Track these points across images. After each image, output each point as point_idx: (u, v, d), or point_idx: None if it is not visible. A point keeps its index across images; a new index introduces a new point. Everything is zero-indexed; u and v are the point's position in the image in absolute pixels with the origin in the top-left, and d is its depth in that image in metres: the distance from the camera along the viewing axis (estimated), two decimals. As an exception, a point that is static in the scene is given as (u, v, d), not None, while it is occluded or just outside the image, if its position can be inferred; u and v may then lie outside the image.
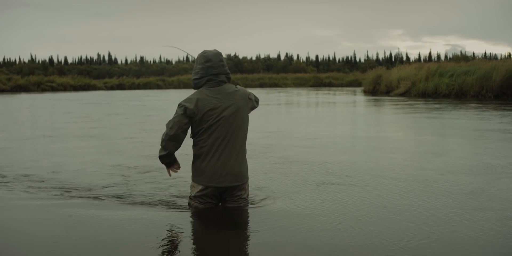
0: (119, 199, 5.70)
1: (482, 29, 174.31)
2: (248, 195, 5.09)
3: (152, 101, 29.89)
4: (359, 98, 31.95)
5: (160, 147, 4.91)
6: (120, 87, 59.23)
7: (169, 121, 4.80)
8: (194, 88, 4.92)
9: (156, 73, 75.07)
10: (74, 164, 8.09)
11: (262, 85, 64.01)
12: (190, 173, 4.95)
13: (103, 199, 5.69)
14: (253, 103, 4.98)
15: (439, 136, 11.29)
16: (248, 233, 4.54)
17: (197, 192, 4.90)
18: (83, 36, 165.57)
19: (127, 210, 5.28)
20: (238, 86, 4.93)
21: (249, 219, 4.90)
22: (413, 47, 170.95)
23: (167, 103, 28.09)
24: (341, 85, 65.68)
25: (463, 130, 12.31)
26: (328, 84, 66.97)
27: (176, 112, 4.78)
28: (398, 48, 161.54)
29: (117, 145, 10.55)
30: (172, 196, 5.81)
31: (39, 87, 49.61)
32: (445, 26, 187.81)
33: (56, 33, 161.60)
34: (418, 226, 4.55)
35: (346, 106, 23.82)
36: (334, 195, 5.76)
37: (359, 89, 47.51)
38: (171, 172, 5.08)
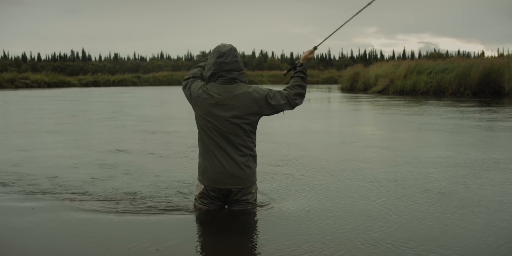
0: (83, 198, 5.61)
1: (455, 27, 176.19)
2: (255, 199, 4.82)
3: (127, 98, 29.58)
4: (337, 95, 32.13)
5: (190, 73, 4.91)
6: (95, 84, 58.57)
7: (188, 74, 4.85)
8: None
9: (130, 70, 74.45)
10: (41, 157, 8.23)
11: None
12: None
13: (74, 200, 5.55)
14: (267, 106, 4.57)
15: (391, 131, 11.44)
16: (255, 238, 4.32)
17: (200, 192, 4.71)
18: (56, 32, 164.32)
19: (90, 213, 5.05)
20: (253, 87, 4.63)
21: (256, 223, 4.67)
22: (387, 45, 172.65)
23: (141, 100, 28.00)
24: (317, 83, 65.84)
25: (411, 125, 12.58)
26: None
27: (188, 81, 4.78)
28: (373, 46, 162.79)
29: (86, 140, 10.76)
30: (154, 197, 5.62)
31: (13, 84, 48.74)
32: (419, 24, 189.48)
33: (29, 29, 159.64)
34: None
35: (328, 103, 23.87)
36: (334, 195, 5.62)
37: (335, 87, 47.74)
38: None
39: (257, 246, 4.13)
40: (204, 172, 4.62)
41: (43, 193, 5.81)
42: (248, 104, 4.53)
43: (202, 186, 4.67)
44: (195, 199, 4.84)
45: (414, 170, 7.04)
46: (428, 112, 16.94)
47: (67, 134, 11.88)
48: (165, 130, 12.48)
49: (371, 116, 17.17)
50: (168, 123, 14.66)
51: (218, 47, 4.64)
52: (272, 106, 4.60)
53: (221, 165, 4.53)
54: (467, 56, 59.56)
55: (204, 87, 4.59)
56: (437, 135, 11.27)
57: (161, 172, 7.05)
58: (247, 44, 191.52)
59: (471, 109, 18.01)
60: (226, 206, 4.79)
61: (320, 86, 56.12)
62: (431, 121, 14.11)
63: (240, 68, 4.61)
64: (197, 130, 4.68)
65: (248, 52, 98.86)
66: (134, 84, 60.86)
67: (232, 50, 4.60)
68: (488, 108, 18.54)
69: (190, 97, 4.67)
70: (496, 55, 33.38)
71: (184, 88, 4.75)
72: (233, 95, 4.52)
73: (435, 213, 4.94)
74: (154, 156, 8.47)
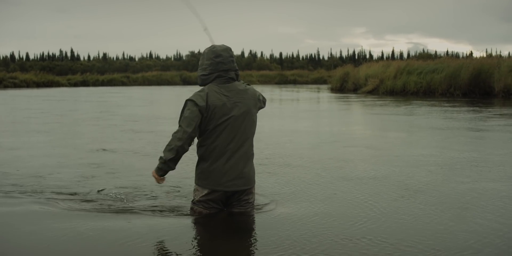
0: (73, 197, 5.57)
1: (444, 27, 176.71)
2: (254, 200, 4.82)
3: (117, 98, 29.47)
4: (327, 95, 32.16)
5: (167, 150, 4.45)
6: (84, 83, 58.14)
7: (182, 120, 4.42)
8: (201, 85, 4.59)
9: (119, 70, 74.18)
10: (26, 157, 8.31)
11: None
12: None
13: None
14: (261, 103, 4.72)
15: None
16: (255, 240, 4.28)
17: (202, 196, 4.59)
18: (45, 32, 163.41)
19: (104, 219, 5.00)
20: (247, 85, 4.66)
21: (256, 224, 4.63)
22: (375, 45, 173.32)
23: (130, 99, 27.96)
24: (306, 83, 65.89)
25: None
26: (293, 81, 67.09)
27: (187, 108, 4.42)
28: (362, 46, 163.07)
29: (72, 139, 10.77)
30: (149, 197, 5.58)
31: (1, 84, 48.27)
32: (407, 24, 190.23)
33: (17, 29, 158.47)
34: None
35: (318, 103, 23.90)
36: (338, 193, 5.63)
37: (325, 87, 47.82)
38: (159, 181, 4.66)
39: (262, 251, 4.13)
40: (209, 176, 4.50)
41: (24, 193, 5.78)
42: (251, 101, 4.56)
43: (206, 191, 4.56)
44: (194, 203, 4.69)
45: (395, 169, 7.14)
46: (414, 112, 17.08)
47: (54, 133, 11.97)
48: (151, 130, 12.56)
49: (358, 116, 17.24)
50: (156, 123, 14.66)
51: (213, 46, 4.57)
52: (260, 105, 4.70)
53: (230, 166, 4.47)
54: (455, 56, 59.74)
55: (203, 94, 4.43)
56: (422, 134, 11.44)
57: (145, 170, 6.97)
58: (236, 44, 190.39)
59: (457, 109, 18.13)
60: (225, 209, 4.70)
61: (310, 86, 56.14)
62: (416, 121, 14.29)
63: (235, 68, 4.59)
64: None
65: (237, 52, 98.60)
66: (123, 84, 60.56)
67: (228, 50, 4.57)
68: (473, 108, 18.65)
69: (207, 109, 4.41)
70: (485, 56, 33.36)
71: (198, 110, 4.41)
72: (236, 92, 4.52)
73: (415, 210, 5.02)
74: (139, 155, 8.52)
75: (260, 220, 4.71)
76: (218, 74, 4.50)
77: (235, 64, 4.60)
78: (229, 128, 4.45)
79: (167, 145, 4.48)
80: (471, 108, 18.28)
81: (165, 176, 4.61)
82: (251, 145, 4.63)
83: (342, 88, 37.09)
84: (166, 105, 24.06)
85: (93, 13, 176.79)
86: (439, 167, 7.27)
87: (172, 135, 4.47)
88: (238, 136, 4.49)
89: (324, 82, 60.96)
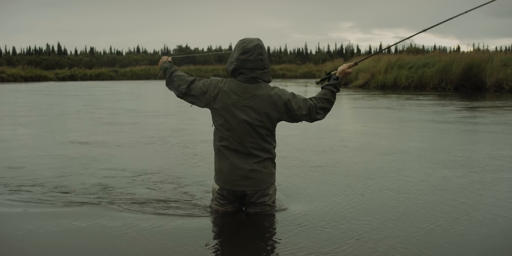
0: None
1: (431, 22, 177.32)
2: (274, 201, 4.60)
3: (104, 92, 29.31)
4: (317, 89, 31.96)
5: (177, 80, 4.68)
6: (72, 78, 57.74)
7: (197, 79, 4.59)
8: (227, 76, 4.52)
9: (107, 64, 73.73)
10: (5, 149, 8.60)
11: (216, 76, 63.58)
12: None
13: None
14: (293, 113, 4.34)
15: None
16: (272, 240, 4.14)
17: (216, 192, 4.53)
18: (31, 26, 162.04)
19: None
20: (276, 89, 4.34)
21: (274, 225, 4.46)
22: (363, 40, 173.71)
23: (117, 94, 27.90)
24: (295, 77, 65.85)
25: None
26: (282, 76, 67.03)
27: (204, 80, 4.51)
28: (349, 41, 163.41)
29: (55, 132, 11.07)
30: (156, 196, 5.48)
31: (-12, 78, 48.17)
32: (394, 19, 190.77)
33: (4, 23, 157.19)
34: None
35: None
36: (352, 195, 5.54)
37: (314, 81, 47.71)
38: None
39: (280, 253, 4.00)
40: (218, 173, 4.44)
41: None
42: (267, 107, 4.29)
43: (218, 187, 4.49)
44: (212, 200, 4.64)
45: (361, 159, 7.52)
46: (400, 106, 17.26)
47: (37, 126, 12.18)
48: (133, 122, 12.91)
49: (346, 110, 17.29)
50: (143, 116, 14.79)
51: (243, 41, 4.35)
52: (292, 114, 4.35)
53: (235, 166, 4.32)
54: (443, 51, 59.88)
55: (222, 83, 4.39)
56: (396, 127, 11.79)
57: (128, 163, 7.28)
58: (224, 38, 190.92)
59: (431, 102, 18.22)
60: (243, 208, 4.59)
61: (299, 80, 56.08)
62: (399, 114, 14.66)
63: (264, 66, 4.33)
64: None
65: (225, 46, 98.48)
66: (111, 78, 60.27)
67: (258, 46, 4.30)
68: (450, 101, 18.91)
69: (204, 95, 4.43)
70: (472, 50, 33.49)
71: (190, 89, 4.53)
72: (251, 95, 4.29)
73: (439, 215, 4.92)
74: (115, 147, 8.84)
75: (278, 219, 4.56)
76: (242, 71, 4.32)
77: (266, 62, 4.33)
78: (234, 130, 4.30)
79: (179, 80, 4.68)
80: (448, 102, 18.44)
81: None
82: (263, 149, 4.36)
83: (333, 82, 36.90)
84: (154, 99, 24.24)
85: (79, 7, 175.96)
86: (393, 155, 7.48)
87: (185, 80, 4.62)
88: (245, 139, 4.30)
89: (313, 76, 61.01)
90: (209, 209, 4.75)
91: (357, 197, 5.36)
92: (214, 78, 4.49)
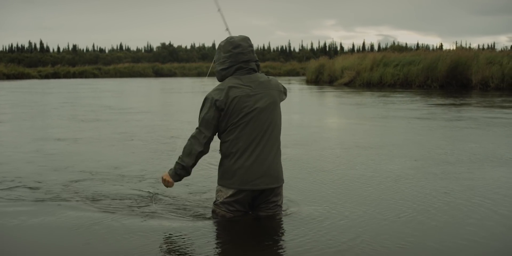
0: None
1: (413, 20, 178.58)
2: (282, 202, 4.46)
3: (87, 90, 29.05)
4: (299, 87, 32.03)
5: (186, 155, 4.20)
6: (55, 75, 57.09)
7: (201, 121, 4.16)
8: (220, 81, 4.25)
9: (90, 62, 73.31)
10: None
11: (199, 74, 63.49)
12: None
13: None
14: (283, 95, 4.38)
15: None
16: (283, 245, 3.99)
17: (226, 197, 4.22)
18: (13, 23, 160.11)
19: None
20: (269, 76, 4.32)
21: (285, 228, 4.29)
22: (346, 37, 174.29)
23: (100, 91, 27.69)
24: (279, 75, 65.68)
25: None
26: (266, 74, 65.33)
27: (204, 108, 4.15)
28: (332, 39, 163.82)
29: (33, 129, 11.18)
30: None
31: (-29, 76, 47.61)
32: (377, 17, 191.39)
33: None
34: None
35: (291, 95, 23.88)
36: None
37: (298, 78, 47.88)
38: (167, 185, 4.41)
39: None
40: (234, 175, 4.14)
41: None
42: (274, 92, 4.24)
43: (231, 191, 4.20)
44: (216, 205, 4.33)
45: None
46: (377, 104, 17.30)
47: (16, 123, 12.30)
48: (112, 119, 13.04)
49: (328, 108, 17.36)
50: (123, 113, 14.81)
51: (230, 38, 4.26)
52: (284, 96, 4.40)
53: (257, 163, 4.12)
54: (426, 48, 60.21)
55: (223, 92, 4.12)
56: (373, 124, 11.84)
57: (103, 160, 7.37)
58: (207, 36, 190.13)
59: (407, 99, 18.29)
60: (251, 212, 4.38)
61: (283, 78, 55.87)
62: (376, 112, 14.60)
63: (256, 58, 4.29)
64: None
65: (208, 44, 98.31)
66: (95, 76, 59.78)
67: (246, 39, 4.26)
68: (427, 98, 19.11)
69: (227, 103, 4.11)
70: (455, 48, 33.62)
71: (215, 109, 4.13)
72: (259, 83, 4.19)
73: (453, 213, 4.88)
74: (86, 143, 8.96)
75: (287, 222, 4.40)
76: (239, 65, 4.18)
77: (255, 54, 4.29)
78: (253, 121, 4.10)
79: (186, 149, 4.21)
80: (424, 98, 18.47)
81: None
82: (278, 139, 4.28)
83: (318, 80, 36.83)
84: (137, 97, 24.22)
85: (62, 4, 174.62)
86: (363, 150, 7.43)
87: (191, 138, 4.21)
88: (264, 129, 4.13)
89: (296, 74, 61.06)
90: (208, 214, 4.56)
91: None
92: (207, 98, 4.18)
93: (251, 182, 4.13)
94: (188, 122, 11.57)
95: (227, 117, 4.12)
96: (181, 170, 4.24)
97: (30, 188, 5.61)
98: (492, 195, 5.25)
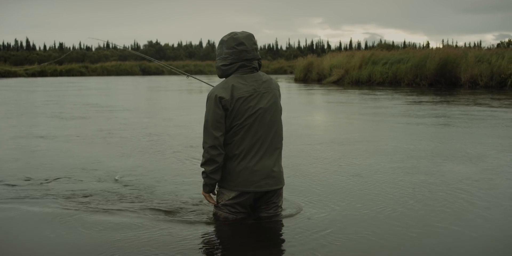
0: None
1: (400, 18, 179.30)
2: (282, 203, 4.39)
3: (73, 88, 29.05)
4: (287, 85, 32.00)
5: (205, 163, 4.06)
6: (42, 74, 56.76)
7: (208, 123, 4.00)
8: (221, 77, 4.13)
9: (76, 60, 72.80)
10: None
11: (187, 72, 63.23)
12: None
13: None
14: (280, 95, 4.29)
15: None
16: (286, 247, 3.91)
17: (229, 199, 4.14)
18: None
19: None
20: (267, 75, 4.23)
21: (286, 229, 4.21)
22: (333, 35, 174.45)
23: (86, 89, 27.68)
24: (267, 73, 64.68)
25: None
26: (254, 72, 66.73)
27: (209, 108, 4.01)
28: (319, 37, 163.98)
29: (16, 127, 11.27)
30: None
31: (-43, 74, 47.25)
32: (364, 15, 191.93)
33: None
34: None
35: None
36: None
37: (285, 76, 47.92)
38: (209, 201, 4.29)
39: None
40: (238, 177, 4.05)
41: None
42: (276, 89, 4.17)
43: (233, 193, 4.10)
44: (217, 207, 4.24)
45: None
46: (361, 101, 17.31)
47: None
48: (95, 116, 13.20)
49: (314, 106, 17.42)
50: (107, 110, 14.95)
51: (234, 33, 4.09)
52: (280, 97, 4.28)
53: (262, 164, 4.03)
54: (413, 47, 60.33)
55: (227, 91, 3.99)
56: (355, 121, 12.20)
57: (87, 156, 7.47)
58: (194, 34, 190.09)
59: (407, 97, 18.28)
60: (251, 214, 4.30)
61: (271, 76, 55.61)
62: (359, 110, 14.94)
63: (259, 57, 4.17)
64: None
65: (195, 42, 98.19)
66: (82, 74, 59.53)
67: (251, 37, 4.11)
68: (414, 96, 19.04)
69: (232, 102, 4.00)
70: (442, 46, 33.65)
71: (219, 108, 4.00)
72: (262, 82, 4.09)
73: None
74: (65, 141, 9.03)
75: (290, 224, 4.31)
76: (242, 63, 4.06)
77: (258, 52, 4.17)
78: (258, 122, 4.01)
79: (203, 157, 4.07)
80: (412, 96, 18.44)
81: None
82: (281, 140, 4.21)
83: (306, 78, 36.78)
84: (122, 95, 24.28)
85: (48, 1, 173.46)
86: (345, 146, 7.42)
87: (204, 151, 4.06)
88: (267, 130, 4.06)
89: (284, 72, 61.15)
90: (209, 216, 4.46)
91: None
92: (211, 97, 4.05)
93: (255, 184, 4.05)
94: (169, 120, 12.00)
95: (231, 118, 4.01)
96: (207, 179, 4.13)
97: (7, 185, 5.65)
98: (468, 187, 5.52)
